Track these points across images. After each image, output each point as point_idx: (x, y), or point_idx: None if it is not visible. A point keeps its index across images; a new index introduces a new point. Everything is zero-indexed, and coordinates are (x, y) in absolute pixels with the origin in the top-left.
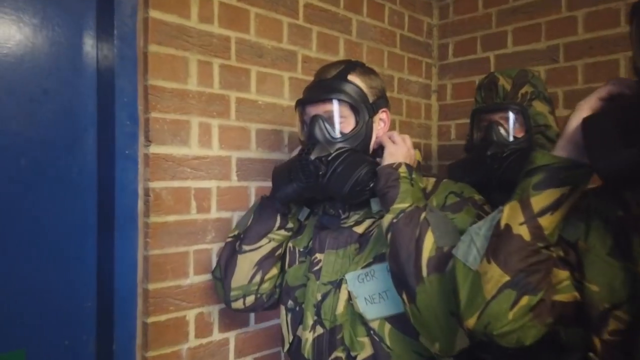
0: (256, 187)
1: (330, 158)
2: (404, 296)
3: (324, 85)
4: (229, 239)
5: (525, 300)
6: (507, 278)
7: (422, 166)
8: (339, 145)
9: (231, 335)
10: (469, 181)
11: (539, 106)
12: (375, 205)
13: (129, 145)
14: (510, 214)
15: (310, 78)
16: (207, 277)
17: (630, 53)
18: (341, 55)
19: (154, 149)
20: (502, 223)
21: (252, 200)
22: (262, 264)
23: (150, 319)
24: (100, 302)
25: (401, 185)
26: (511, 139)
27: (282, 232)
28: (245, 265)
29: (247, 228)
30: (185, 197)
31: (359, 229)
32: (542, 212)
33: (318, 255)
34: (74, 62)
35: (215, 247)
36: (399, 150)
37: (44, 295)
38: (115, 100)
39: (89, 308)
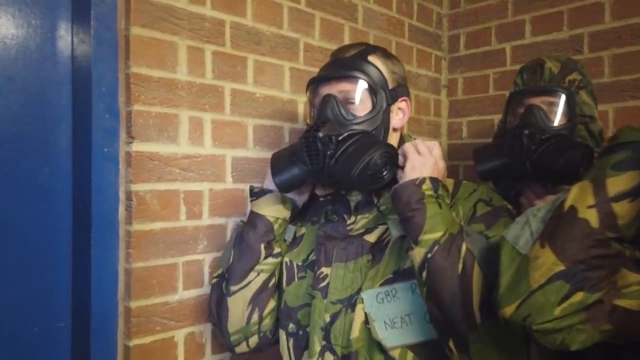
0: None
1: (341, 138)
2: (451, 344)
3: (341, 63)
4: (215, 280)
5: (578, 296)
6: (561, 267)
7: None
8: (353, 127)
9: (225, 358)
10: (499, 164)
11: (585, 97)
12: (385, 203)
13: (108, 142)
14: (578, 195)
15: (313, 69)
16: (198, 292)
17: None
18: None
19: (137, 147)
20: (567, 204)
21: (248, 205)
22: (257, 301)
23: (133, 342)
24: (75, 322)
25: (428, 208)
26: (546, 123)
27: (270, 260)
28: (238, 306)
29: (229, 266)
30: (173, 202)
31: (371, 238)
32: (619, 197)
33: (324, 270)
34: (44, 46)
35: (208, 258)
36: (425, 163)
37: (9, 314)
38: (92, 90)
39: (62, 329)
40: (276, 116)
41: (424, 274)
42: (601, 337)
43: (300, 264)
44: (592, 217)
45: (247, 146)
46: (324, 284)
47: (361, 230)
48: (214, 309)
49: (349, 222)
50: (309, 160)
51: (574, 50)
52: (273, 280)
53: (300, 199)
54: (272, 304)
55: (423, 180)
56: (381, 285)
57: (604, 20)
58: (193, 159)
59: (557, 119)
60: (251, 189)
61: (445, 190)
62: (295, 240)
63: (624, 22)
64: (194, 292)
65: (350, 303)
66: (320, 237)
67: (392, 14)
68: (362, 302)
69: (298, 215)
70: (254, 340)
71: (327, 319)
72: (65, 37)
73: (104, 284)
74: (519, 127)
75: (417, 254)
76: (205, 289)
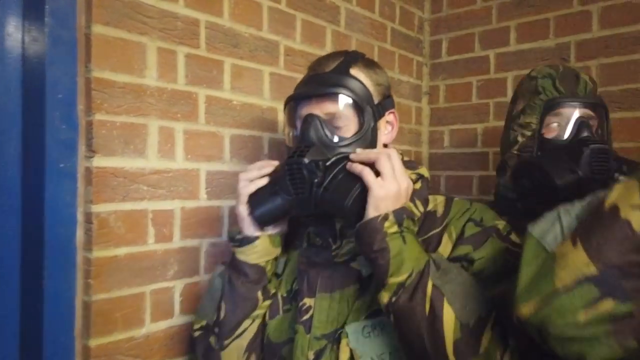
0: (230, 208)
1: (328, 164)
2: None
3: (320, 80)
4: (198, 333)
5: (607, 304)
6: (592, 269)
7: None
8: (340, 150)
9: None
10: (561, 183)
11: None
12: None
13: (65, 157)
14: (622, 193)
15: (294, 74)
16: (168, 323)
17: None
18: (328, 49)
19: (99, 162)
20: (608, 202)
21: (225, 223)
22: (253, 346)
23: None
24: None
25: (391, 247)
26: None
27: (266, 302)
28: (233, 358)
29: (221, 321)
30: (140, 223)
31: (358, 265)
32: None
33: (307, 301)
34: None
35: (179, 285)
36: (387, 191)
37: None
38: (46, 96)
39: None
40: (255, 126)
41: (392, 318)
42: (623, 354)
43: (285, 295)
44: (635, 219)
45: (223, 159)
46: (307, 316)
47: (347, 256)
48: None
49: (334, 247)
50: (294, 189)
51: (560, 59)
52: (264, 320)
53: (282, 229)
54: None
55: (385, 217)
56: (367, 317)
57: (591, 29)
58: (163, 175)
59: (601, 135)
60: (231, 236)
61: (411, 219)
62: (281, 267)
63: (612, 32)
64: (163, 324)
65: (335, 338)
66: (302, 264)
67: (375, 17)
68: (347, 336)
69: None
70: None
71: (311, 356)
72: (14, 35)
73: (59, 320)
74: (593, 141)
75: (383, 298)
76: (177, 320)
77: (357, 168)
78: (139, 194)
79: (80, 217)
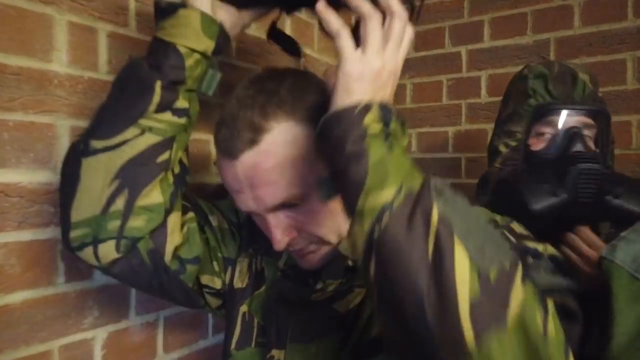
0: None
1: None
2: None
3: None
4: (75, 140)
5: None
6: None
7: None
8: None
9: None
10: (559, 202)
11: None
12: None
13: None
14: None
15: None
16: None
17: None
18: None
19: None
20: None
21: None
22: (128, 177)
23: None
24: None
25: (371, 153)
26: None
27: (168, 116)
28: (96, 176)
29: (96, 113)
30: (44, 258)
31: (342, 307)
32: None
33: (276, 354)
34: None
35: (101, 335)
36: (366, 69)
37: None
38: None
39: None
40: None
41: (371, 267)
42: None
43: (262, 322)
44: None
45: None
46: None
47: (329, 295)
48: (63, 180)
49: (318, 287)
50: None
51: (539, 57)
52: (166, 156)
53: (236, 22)
54: (156, 196)
55: (367, 108)
56: None
57: (572, 26)
58: None
59: (600, 146)
60: (157, 3)
61: (401, 123)
62: (258, 276)
63: (595, 29)
64: None
65: None
66: (271, 301)
67: None
68: None
69: (253, 239)
70: (106, 250)
71: None
72: None
73: None
74: (583, 158)
75: (358, 234)
76: None
77: (333, 25)
78: (42, 219)
79: None
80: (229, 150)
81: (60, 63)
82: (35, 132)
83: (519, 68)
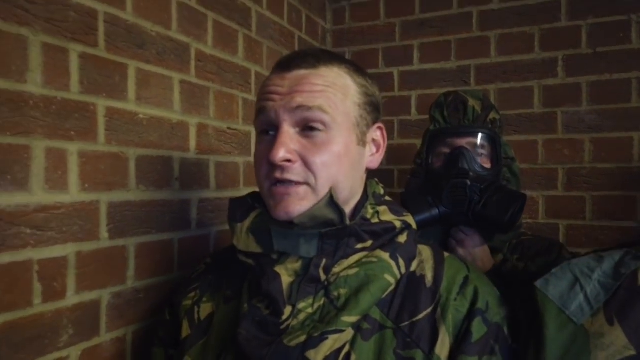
0: (137, 245)
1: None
2: None
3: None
4: None
5: None
6: (632, 352)
7: (390, 202)
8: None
9: None
10: (438, 214)
11: (503, 138)
12: (341, 284)
13: None
14: None
15: (205, 83)
16: None
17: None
18: (240, 55)
19: None
20: None
21: (131, 267)
22: None
23: None
24: None
25: None
26: (479, 169)
27: None
28: None
29: None
30: (21, 280)
31: (318, 356)
32: None
33: None
34: None
35: (75, 353)
36: None
37: None
38: None
39: None
40: (164, 144)
41: None
42: None
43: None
44: None
45: (128, 186)
46: None
47: (301, 339)
48: None
49: (284, 316)
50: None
51: (461, 81)
52: None
53: None
54: None
55: None
56: None
57: (490, 54)
58: (52, 212)
59: (487, 163)
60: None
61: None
62: (200, 326)
63: (509, 58)
64: None
65: None
66: (240, 340)
67: (284, 23)
68: None
69: (198, 279)
70: None
71: None
72: None
73: None
74: (456, 174)
75: None
76: None
77: None
78: (18, 241)
79: None
80: (286, 65)
81: (35, 84)
82: (12, 154)
83: (444, 90)
